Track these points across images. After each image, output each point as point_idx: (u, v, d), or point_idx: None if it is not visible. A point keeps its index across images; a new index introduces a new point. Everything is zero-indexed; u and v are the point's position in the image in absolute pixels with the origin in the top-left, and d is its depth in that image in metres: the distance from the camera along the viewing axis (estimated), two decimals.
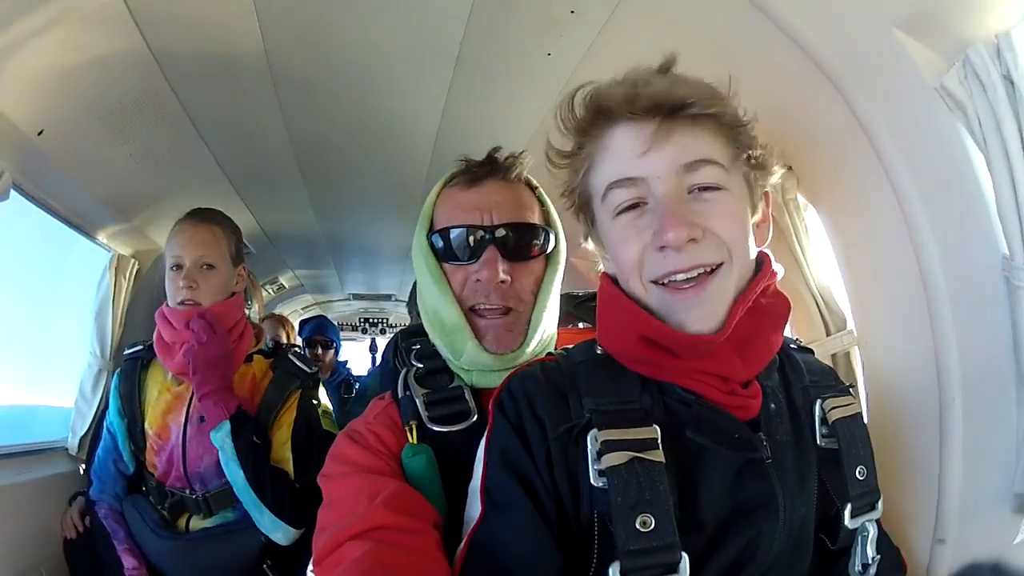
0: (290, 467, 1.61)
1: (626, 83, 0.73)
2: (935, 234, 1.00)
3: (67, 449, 2.03)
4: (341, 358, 3.75)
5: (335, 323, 3.93)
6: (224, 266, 1.63)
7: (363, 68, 1.69)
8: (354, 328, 6.44)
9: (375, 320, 6.43)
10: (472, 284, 0.98)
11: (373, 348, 5.76)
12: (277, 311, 4.73)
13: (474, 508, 0.77)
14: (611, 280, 0.82)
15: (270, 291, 4.25)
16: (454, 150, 2.06)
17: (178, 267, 1.60)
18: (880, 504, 0.83)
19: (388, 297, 5.48)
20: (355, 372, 3.88)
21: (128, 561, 1.58)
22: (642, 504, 0.68)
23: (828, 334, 1.42)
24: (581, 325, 1.34)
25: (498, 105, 1.86)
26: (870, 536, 0.81)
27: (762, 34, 1.08)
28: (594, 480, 0.71)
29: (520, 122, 1.87)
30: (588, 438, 0.73)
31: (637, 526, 0.67)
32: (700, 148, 0.72)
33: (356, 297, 5.48)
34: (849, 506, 0.80)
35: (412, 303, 2.22)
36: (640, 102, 0.71)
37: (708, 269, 0.72)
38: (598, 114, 0.75)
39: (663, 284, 0.73)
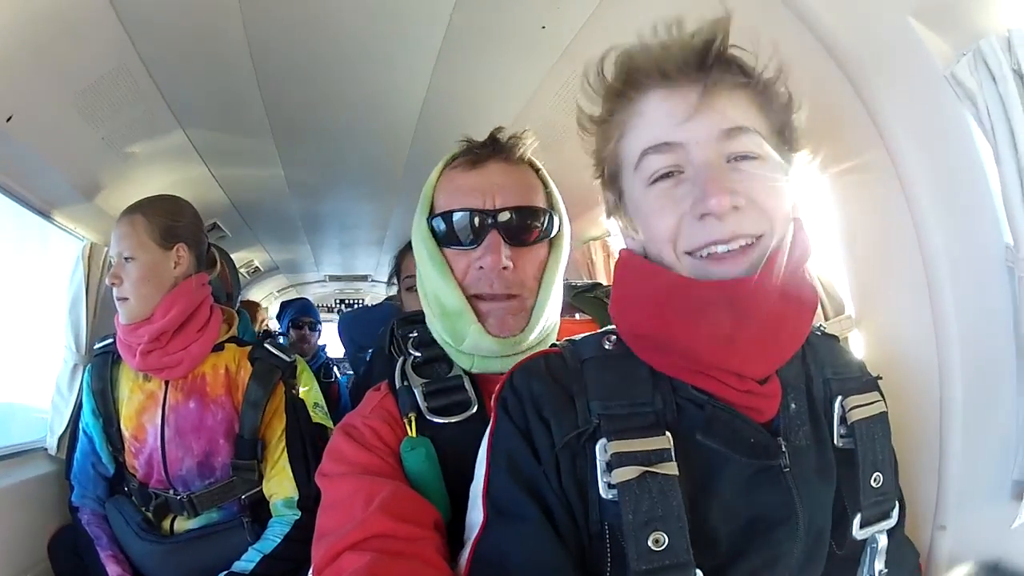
0: (286, 487, 1.62)
1: (658, 43, 0.72)
2: (939, 222, 1.03)
3: (46, 449, 2.00)
4: (320, 342, 3.81)
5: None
6: (144, 253, 1.59)
7: (346, 37, 1.66)
8: (330, 309, 6.45)
9: (351, 301, 6.46)
10: (475, 271, 0.97)
11: None
12: (252, 292, 4.73)
13: (476, 513, 0.76)
14: (634, 254, 0.81)
15: (245, 274, 4.22)
16: (438, 125, 2.08)
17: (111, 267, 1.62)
18: (896, 512, 0.81)
19: (365, 278, 5.50)
20: (332, 355, 3.93)
21: (112, 569, 1.58)
22: (654, 521, 0.67)
23: (827, 318, 1.46)
24: (578, 316, 1.34)
25: (487, 78, 1.85)
26: (879, 548, 0.79)
27: (770, 12, 1.08)
28: (603, 492, 0.70)
29: (509, 97, 1.87)
30: (597, 447, 0.71)
31: (649, 544, 0.66)
32: (739, 115, 0.71)
33: (332, 278, 5.48)
34: (859, 516, 0.78)
35: (395, 276, 2.23)
36: (675, 61, 0.70)
37: (748, 241, 0.71)
38: (631, 77, 0.73)
39: (700, 256, 0.72)
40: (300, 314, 3.62)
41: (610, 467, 0.70)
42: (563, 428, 0.73)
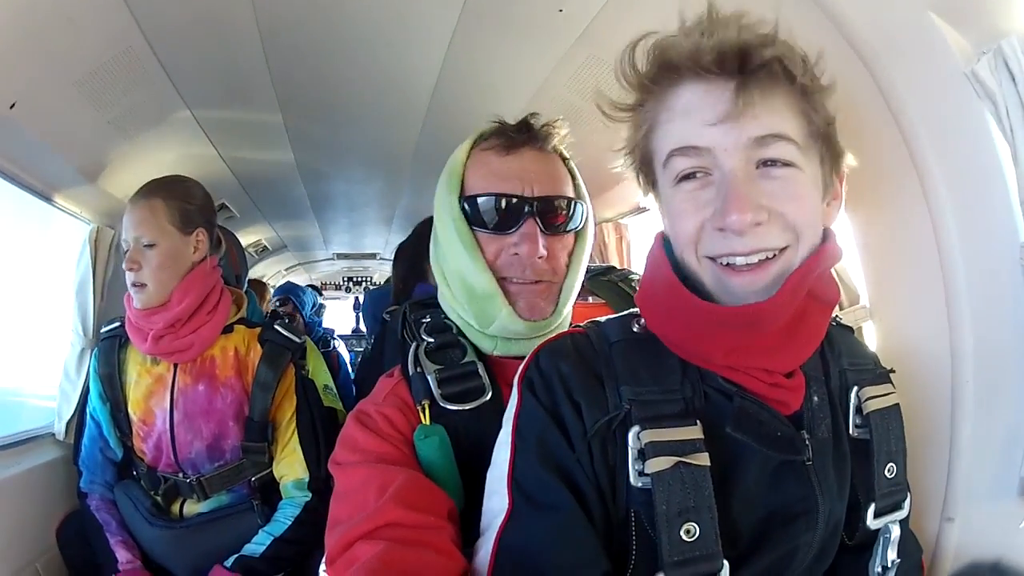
0: (297, 469, 1.65)
1: (692, 32, 0.68)
2: (956, 218, 1.04)
3: (54, 435, 2.01)
4: (325, 324, 4.07)
5: (314, 286, 4.38)
6: (165, 239, 1.59)
7: (359, 16, 1.67)
8: (338, 287, 6.56)
9: (359, 279, 6.55)
10: (508, 256, 0.99)
11: (357, 307, 5.85)
12: (260, 270, 4.81)
13: (497, 500, 0.74)
14: (663, 245, 0.80)
15: (252, 253, 4.27)
16: (450, 106, 2.08)
17: (126, 251, 1.62)
18: (907, 504, 0.83)
19: (373, 256, 5.54)
20: (338, 332, 4.18)
21: (121, 555, 1.59)
22: (687, 512, 0.68)
23: (841, 308, 1.48)
24: (591, 300, 1.36)
25: (501, 62, 1.85)
26: (892, 538, 0.81)
27: (790, 2, 1.07)
28: (633, 479, 0.71)
29: (522, 80, 1.87)
30: (629, 435, 0.71)
31: (681, 535, 0.67)
32: (773, 121, 0.68)
33: (340, 256, 5.52)
34: (873, 506, 0.80)
35: (399, 260, 2.20)
36: (708, 54, 0.67)
37: (770, 254, 0.70)
38: (662, 69, 0.71)
39: (719, 263, 0.71)
40: (281, 294, 3.92)
41: (642, 455, 0.70)
42: (594, 412, 0.73)
